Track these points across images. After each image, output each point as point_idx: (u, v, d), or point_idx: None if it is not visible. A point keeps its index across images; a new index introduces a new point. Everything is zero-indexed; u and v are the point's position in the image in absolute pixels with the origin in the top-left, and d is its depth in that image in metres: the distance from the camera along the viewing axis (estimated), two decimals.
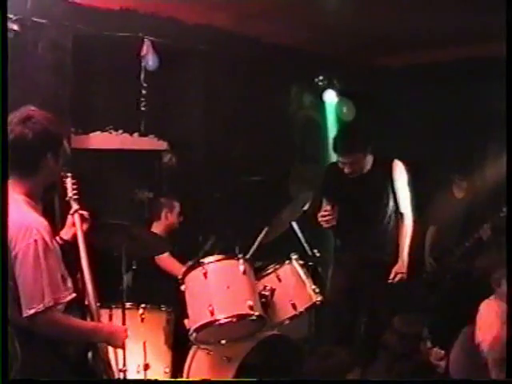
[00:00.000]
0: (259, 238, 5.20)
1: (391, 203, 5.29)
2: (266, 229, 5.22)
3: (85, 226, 3.39)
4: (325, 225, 5.23)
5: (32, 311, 2.84)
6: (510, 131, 3.40)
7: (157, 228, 5.77)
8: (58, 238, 3.28)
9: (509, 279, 3.49)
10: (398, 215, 5.32)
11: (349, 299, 5.40)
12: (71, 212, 3.38)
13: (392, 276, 5.18)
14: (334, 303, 5.21)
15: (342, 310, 5.40)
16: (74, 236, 3.32)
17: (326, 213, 5.20)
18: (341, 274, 5.47)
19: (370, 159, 5.26)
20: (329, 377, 3.51)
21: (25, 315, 2.85)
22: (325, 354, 3.72)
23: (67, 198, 3.45)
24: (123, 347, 3.34)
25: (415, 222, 5.39)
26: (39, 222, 2.95)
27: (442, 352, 4.12)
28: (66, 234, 3.37)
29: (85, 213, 3.42)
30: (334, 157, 5.61)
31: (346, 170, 5.16)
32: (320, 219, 5.23)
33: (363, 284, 5.36)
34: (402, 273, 5.21)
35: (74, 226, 3.34)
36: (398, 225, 5.33)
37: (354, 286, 5.39)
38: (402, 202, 5.30)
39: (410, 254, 5.31)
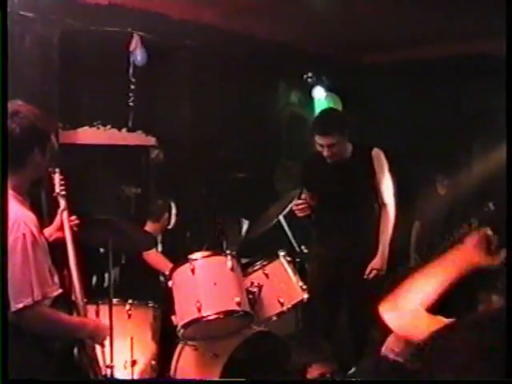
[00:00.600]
0: (243, 230, 5.19)
1: (372, 193, 5.20)
2: (247, 222, 5.20)
3: (72, 223, 3.39)
4: (299, 214, 5.12)
5: (21, 305, 2.83)
6: (510, 131, 3.40)
7: (151, 227, 5.74)
8: (45, 231, 3.28)
9: (509, 279, 3.50)
10: (381, 205, 5.21)
11: (328, 294, 5.29)
12: (59, 211, 3.37)
13: (367, 271, 5.04)
14: (315, 298, 5.09)
15: (322, 305, 5.30)
16: (62, 234, 3.32)
17: (300, 201, 5.12)
18: (319, 267, 5.36)
19: (349, 147, 5.18)
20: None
21: (13, 310, 2.84)
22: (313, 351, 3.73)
23: (55, 194, 3.44)
24: (104, 345, 3.34)
25: (398, 215, 5.30)
26: (27, 216, 2.94)
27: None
28: (52, 235, 3.36)
29: (73, 219, 3.42)
30: None
31: (325, 153, 5.02)
32: (294, 208, 5.11)
33: (343, 278, 5.26)
34: (377, 269, 5.04)
35: (62, 227, 3.33)
36: (380, 216, 5.20)
37: (334, 280, 5.27)
38: (385, 192, 5.17)
39: (392, 249, 5.20)
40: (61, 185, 3.45)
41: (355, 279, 5.12)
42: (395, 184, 5.25)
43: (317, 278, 5.27)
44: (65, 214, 3.35)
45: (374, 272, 5.03)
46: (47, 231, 3.36)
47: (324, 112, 5.58)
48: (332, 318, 5.40)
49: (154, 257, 5.54)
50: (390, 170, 5.19)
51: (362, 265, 5.08)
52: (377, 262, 5.06)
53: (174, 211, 5.87)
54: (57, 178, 3.46)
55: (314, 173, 5.29)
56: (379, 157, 5.17)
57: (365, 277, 5.01)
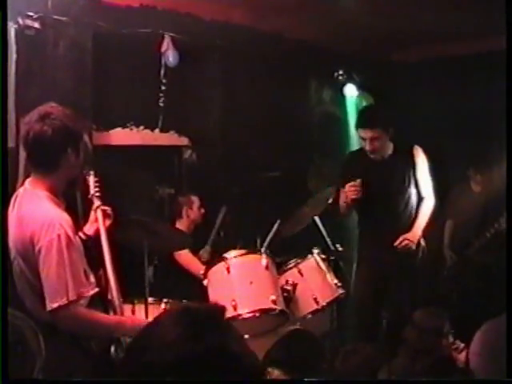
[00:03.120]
0: (273, 229, 5.20)
1: (413, 189, 5.24)
2: (278, 221, 5.22)
3: (107, 222, 3.40)
4: (352, 195, 5.11)
5: (56, 305, 2.87)
6: (510, 130, 3.36)
7: (180, 225, 5.77)
8: (80, 233, 3.31)
9: (509, 279, 3.46)
10: (421, 200, 5.27)
11: (372, 293, 5.32)
12: (94, 208, 3.40)
13: (399, 241, 5.06)
14: (357, 297, 5.14)
15: (364, 304, 5.33)
16: (97, 231, 3.34)
17: (354, 183, 5.14)
18: (365, 266, 5.40)
19: (390, 145, 5.24)
20: (358, 375, 3.49)
21: (48, 309, 2.88)
22: (350, 351, 3.70)
23: (90, 196, 3.46)
24: None
25: (435, 211, 5.35)
26: (62, 217, 2.97)
27: (462, 345, 4.09)
28: (88, 229, 3.39)
29: (107, 208, 3.44)
30: None
31: (368, 147, 5.10)
32: (348, 189, 5.12)
33: (387, 276, 5.28)
34: (409, 240, 5.08)
35: (97, 222, 3.35)
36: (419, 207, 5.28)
37: (378, 278, 5.30)
38: (424, 187, 5.25)
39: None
40: (95, 186, 3.47)
41: (401, 275, 5.15)
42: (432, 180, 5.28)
43: (357, 276, 5.31)
44: (99, 211, 3.37)
45: (405, 242, 5.03)
46: (84, 230, 3.39)
47: (368, 106, 5.66)
48: (370, 317, 5.41)
49: (185, 257, 5.56)
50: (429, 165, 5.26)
51: (407, 259, 5.11)
52: (409, 234, 5.06)
53: (195, 204, 5.88)
54: (91, 179, 3.47)
55: (354, 169, 5.31)
56: (419, 153, 5.22)
57: (395, 244, 5.00)
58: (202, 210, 5.92)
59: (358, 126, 5.22)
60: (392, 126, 5.22)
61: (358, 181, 5.11)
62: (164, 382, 1.44)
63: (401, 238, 5.05)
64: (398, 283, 5.22)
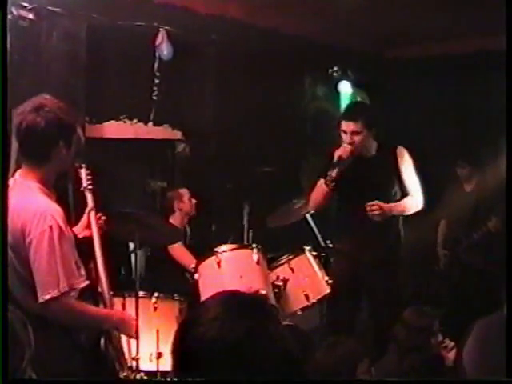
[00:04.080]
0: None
1: (397, 190, 5.15)
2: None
3: (100, 224, 3.40)
4: (344, 155, 4.89)
5: (47, 296, 2.86)
6: (510, 129, 3.36)
7: (174, 220, 5.77)
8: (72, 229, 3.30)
9: (508, 279, 3.47)
10: (404, 196, 5.12)
11: (351, 290, 5.22)
12: (87, 210, 3.39)
13: (371, 203, 4.85)
14: (339, 293, 5.02)
15: (346, 300, 5.23)
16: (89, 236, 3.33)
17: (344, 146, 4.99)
18: (342, 263, 5.28)
19: (374, 144, 5.15)
20: (339, 367, 3.50)
21: (40, 301, 2.87)
22: (333, 343, 3.73)
23: (82, 188, 3.46)
24: (135, 336, 3.36)
25: (424, 214, 5.27)
26: (54, 209, 2.97)
27: (452, 343, 4.10)
28: (79, 233, 3.38)
29: (100, 216, 3.43)
30: None
31: (348, 141, 4.98)
32: (340, 151, 4.94)
33: (365, 275, 5.19)
34: (380, 207, 4.86)
35: (89, 228, 3.34)
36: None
37: (356, 276, 5.21)
38: (410, 186, 5.10)
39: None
40: (87, 179, 3.46)
41: (378, 276, 5.09)
42: (421, 182, 5.20)
43: (340, 273, 5.22)
44: (92, 213, 3.37)
45: (376, 207, 4.85)
46: (75, 230, 3.38)
47: (355, 101, 5.60)
48: (355, 313, 5.38)
49: (179, 250, 5.55)
50: (416, 168, 5.17)
51: (384, 262, 5.05)
52: (384, 205, 4.91)
53: (186, 196, 5.87)
54: (83, 172, 3.47)
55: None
56: (403, 154, 5.15)
57: (368, 209, 4.89)
58: (194, 201, 5.91)
59: (341, 118, 5.13)
60: (376, 126, 5.12)
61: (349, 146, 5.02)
62: (164, 382, 1.55)
63: (374, 202, 4.89)
64: (377, 279, 5.10)
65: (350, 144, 4.94)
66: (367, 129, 5.00)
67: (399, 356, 4.05)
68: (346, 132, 4.97)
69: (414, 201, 5.10)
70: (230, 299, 1.70)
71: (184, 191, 5.90)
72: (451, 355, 4.07)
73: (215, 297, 1.75)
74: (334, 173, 4.95)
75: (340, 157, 4.92)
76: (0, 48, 2.91)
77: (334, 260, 5.39)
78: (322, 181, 5.04)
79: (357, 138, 4.96)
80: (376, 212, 4.85)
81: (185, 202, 5.87)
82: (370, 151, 5.12)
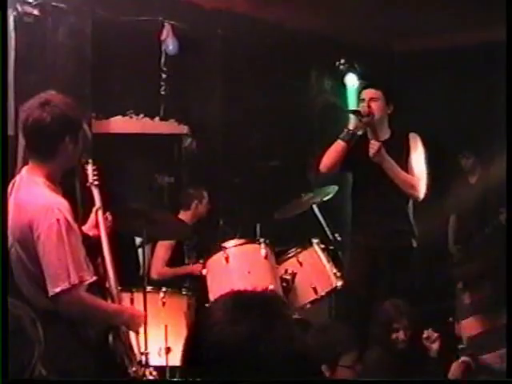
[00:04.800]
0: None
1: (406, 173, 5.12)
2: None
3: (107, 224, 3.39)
4: (364, 111, 4.96)
5: (58, 289, 2.86)
6: (510, 127, 3.35)
7: (184, 216, 5.76)
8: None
9: (508, 279, 3.45)
10: None
11: (367, 284, 5.22)
12: (94, 210, 3.38)
13: (374, 143, 4.90)
14: (353, 287, 5.02)
15: (359, 294, 5.23)
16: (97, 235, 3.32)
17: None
18: (358, 255, 5.32)
19: (388, 131, 5.15)
20: (324, 352, 3.48)
21: (50, 294, 2.87)
22: (323, 327, 3.74)
23: (88, 184, 3.45)
24: (139, 332, 3.36)
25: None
26: (60, 203, 2.97)
27: (436, 334, 4.12)
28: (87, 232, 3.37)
29: (107, 215, 3.42)
30: None
31: (364, 109, 4.99)
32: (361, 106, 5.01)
33: (379, 266, 5.18)
34: (379, 150, 4.86)
35: (97, 227, 3.32)
36: None
37: (369, 268, 5.20)
38: (417, 173, 5.05)
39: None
40: (94, 175, 3.45)
41: (391, 268, 5.08)
42: (429, 176, 5.18)
43: (352, 265, 5.22)
44: (100, 212, 3.36)
45: (377, 147, 4.87)
46: (83, 229, 3.37)
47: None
48: (366, 307, 5.35)
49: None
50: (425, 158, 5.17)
51: (398, 253, 5.05)
52: (385, 154, 4.91)
53: (205, 200, 5.89)
54: (89, 167, 3.45)
55: (350, 153, 5.23)
56: (415, 139, 5.15)
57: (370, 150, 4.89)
58: (209, 206, 5.93)
59: (362, 89, 5.21)
60: (393, 103, 5.14)
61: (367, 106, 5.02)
62: (165, 382, 1.52)
63: (376, 143, 4.91)
64: (392, 272, 5.09)
65: (365, 113, 4.97)
66: (385, 100, 5.03)
67: (383, 349, 4.14)
68: (364, 100, 5.02)
69: (417, 184, 5.06)
70: (239, 299, 1.64)
71: (205, 194, 5.91)
72: (435, 346, 4.11)
73: (225, 296, 1.70)
74: (351, 125, 4.99)
75: (358, 112, 4.97)
76: (0, 48, 2.90)
77: (345, 251, 5.40)
78: (338, 140, 5.06)
79: (373, 105, 4.98)
80: (374, 149, 4.87)
81: (203, 204, 5.88)
82: (383, 137, 5.12)
